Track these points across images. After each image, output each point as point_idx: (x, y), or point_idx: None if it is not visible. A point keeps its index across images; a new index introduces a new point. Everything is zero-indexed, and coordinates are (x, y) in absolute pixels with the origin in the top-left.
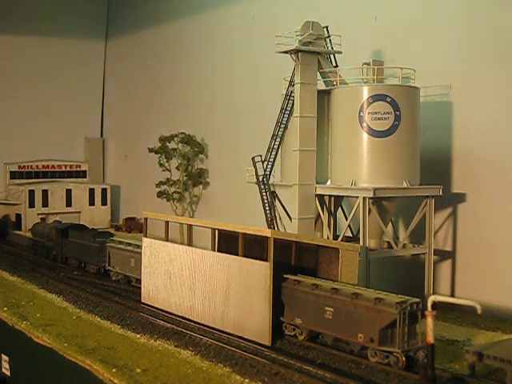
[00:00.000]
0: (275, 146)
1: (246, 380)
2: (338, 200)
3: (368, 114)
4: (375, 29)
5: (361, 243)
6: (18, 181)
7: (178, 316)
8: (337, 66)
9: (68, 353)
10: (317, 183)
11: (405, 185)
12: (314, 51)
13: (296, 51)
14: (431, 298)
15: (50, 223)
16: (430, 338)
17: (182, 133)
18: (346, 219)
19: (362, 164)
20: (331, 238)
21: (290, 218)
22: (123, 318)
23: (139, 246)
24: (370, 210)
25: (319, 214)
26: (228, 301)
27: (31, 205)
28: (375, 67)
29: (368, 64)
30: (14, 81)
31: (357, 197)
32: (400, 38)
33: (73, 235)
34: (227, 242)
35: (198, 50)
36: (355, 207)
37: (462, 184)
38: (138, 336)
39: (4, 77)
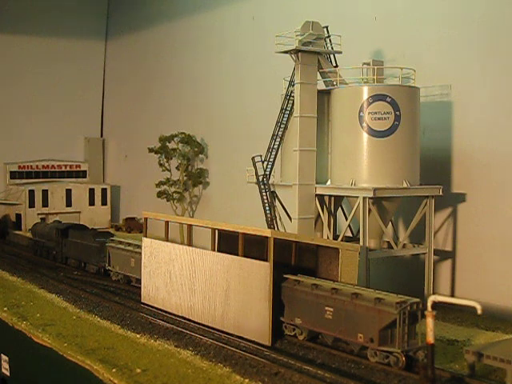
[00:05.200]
0: (275, 146)
1: (246, 380)
2: (338, 200)
3: (368, 113)
4: (375, 29)
5: (361, 243)
6: (18, 181)
7: (178, 316)
8: (337, 66)
9: (68, 353)
10: (317, 183)
11: (405, 185)
12: (314, 51)
13: (296, 51)
14: (431, 298)
15: (49, 223)
16: (430, 338)
17: (182, 133)
18: (346, 219)
19: (361, 164)
20: (331, 237)
21: (290, 218)
22: (123, 318)
23: (139, 246)
24: (369, 210)
25: (319, 214)
26: (228, 301)
27: (31, 205)
28: (375, 67)
29: (368, 64)
30: (13, 81)
31: (357, 197)
32: (400, 38)
33: (73, 235)
34: (227, 242)
35: (198, 50)
36: (355, 207)
37: (462, 184)
38: (138, 336)
39: (4, 77)
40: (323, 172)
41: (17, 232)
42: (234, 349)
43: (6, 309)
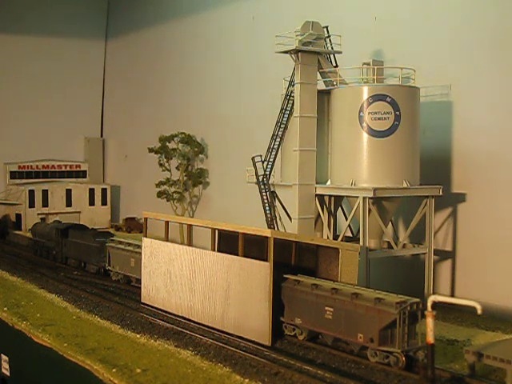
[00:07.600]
0: (275, 146)
1: (246, 380)
2: (338, 200)
3: (368, 114)
4: (375, 29)
5: (361, 243)
6: (18, 181)
7: (178, 316)
8: (337, 65)
9: (68, 353)
10: (317, 183)
11: (405, 185)
12: (314, 51)
13: (296, 51)
14: (431, 298)
15: (50, 223)
16: (430, 338)
17: (182, 133)
18: (346, 219)
19: (361, 164)
20: (331, 237)
21: (290, 218)
22: (123, 318)
23: (139, 246)
24: (369, 210)
25: (319, 214)
26: (228, 301)
27: (31, 205)
28: (375, 67)
29: (368, 64)
30: (13, 80)
31: (357, 197)
32: (400, 38)
33: (73, 235)
34: (227, 242)
35: (198, 50)
36: (355, 207)
37: (462, 184)
38: (138, 336)
39: (4, 77)
40: (323, 172)
41: (17, 232)
42: (233, 349)
43: (6, 309)
